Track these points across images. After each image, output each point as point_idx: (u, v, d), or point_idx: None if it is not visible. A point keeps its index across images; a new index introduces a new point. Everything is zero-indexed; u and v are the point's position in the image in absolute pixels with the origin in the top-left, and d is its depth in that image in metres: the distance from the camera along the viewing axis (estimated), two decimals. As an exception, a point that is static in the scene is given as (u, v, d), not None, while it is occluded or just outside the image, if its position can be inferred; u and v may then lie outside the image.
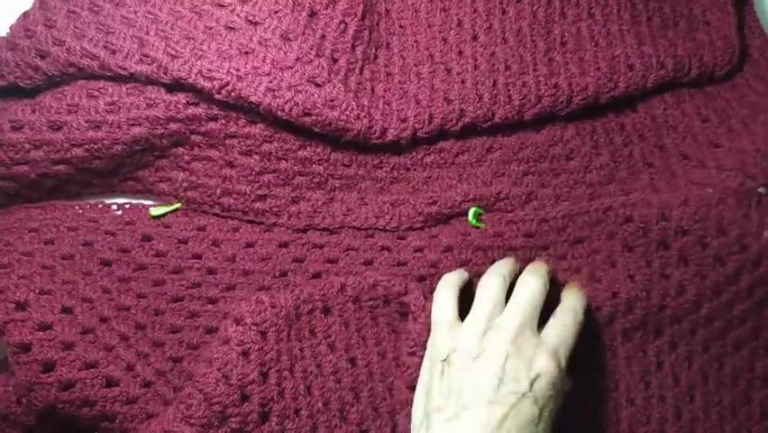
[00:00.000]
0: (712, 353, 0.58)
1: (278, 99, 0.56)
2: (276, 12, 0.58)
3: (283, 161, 0.60)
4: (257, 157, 0.59)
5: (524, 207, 0.61)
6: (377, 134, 0.58)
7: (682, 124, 0.62)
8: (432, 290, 0.55)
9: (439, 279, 0.56)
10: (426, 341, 0.53)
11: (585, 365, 0.56)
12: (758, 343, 0.58)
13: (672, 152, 0.62)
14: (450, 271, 0.57)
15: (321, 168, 0.61)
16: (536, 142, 0.61)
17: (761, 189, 0.57)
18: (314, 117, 0.57)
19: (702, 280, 0.56)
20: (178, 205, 0.62)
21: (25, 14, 0.61)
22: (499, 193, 0.61)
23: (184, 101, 0.58)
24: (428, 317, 0.53)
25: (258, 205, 0.61)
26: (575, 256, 0.59)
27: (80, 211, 0.62)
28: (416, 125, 0.58)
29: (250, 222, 0.62)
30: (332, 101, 0.57)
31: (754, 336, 0.58)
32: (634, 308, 0.56)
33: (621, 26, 0.62)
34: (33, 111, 0.58)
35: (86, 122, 0.58)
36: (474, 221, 0.55)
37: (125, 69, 0.57)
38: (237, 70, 0.56)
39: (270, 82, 0.56)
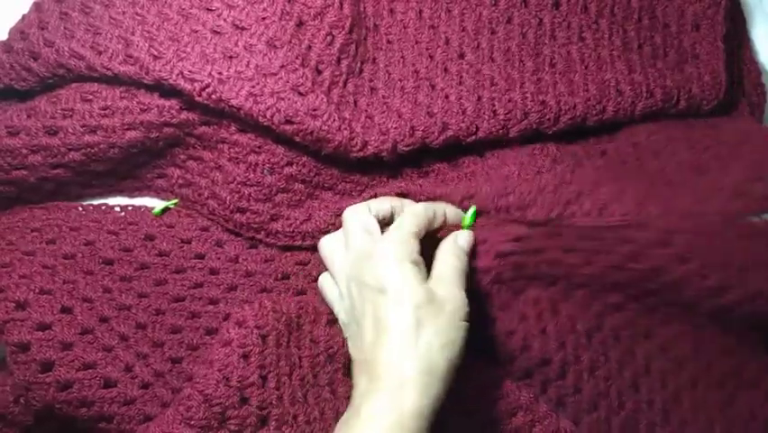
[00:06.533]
0: (702, 357, 0.57)
1: (259, 105, 0.56)
2: (263, 18, 0.58)
3: (268, 176, 0.59)
4: (243, 166, 0.59)
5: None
6: (357, 147, 0.57)
7: (667, 149, 0.61)
8: None
9: None
10: None
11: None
12: (744, 347, 0.57)
13: (657, 176, 0.60)
14: None
15: (302, 186, 0.60)
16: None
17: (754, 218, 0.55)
18: (295, 126, 0.56)
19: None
20: (175, 200, 0.62)
21: (22, 17, 0.61)
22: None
23: (177, 106, 0.58)
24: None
25: (237, 216, 0.60)
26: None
27: (83, 212, 0.62)
28: (397, 137, 0.57)
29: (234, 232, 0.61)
30: (314, 110, 0.56)
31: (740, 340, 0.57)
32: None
33: (612, 51, 0.61)
34: (29, 116, 0.59)
35: (82, 126, 0.58)
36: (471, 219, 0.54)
37: (110, 69, 0.57)
38: (219, 74, 0.56)
39: (253, 87, 0.56)
